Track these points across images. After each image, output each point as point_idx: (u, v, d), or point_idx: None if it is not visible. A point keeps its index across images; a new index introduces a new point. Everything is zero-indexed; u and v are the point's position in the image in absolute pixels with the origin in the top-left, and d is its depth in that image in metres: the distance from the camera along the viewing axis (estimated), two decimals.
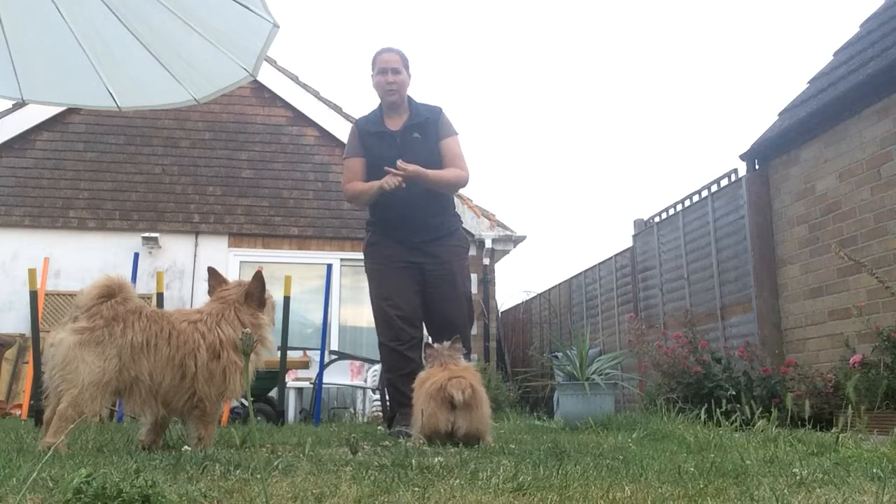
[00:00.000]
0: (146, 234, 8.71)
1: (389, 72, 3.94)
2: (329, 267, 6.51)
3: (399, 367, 3.84)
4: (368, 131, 4.02)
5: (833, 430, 3.13)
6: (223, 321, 2.72)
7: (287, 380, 6.23)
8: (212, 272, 2.95)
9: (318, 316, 8.64)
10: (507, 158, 38.40)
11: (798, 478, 1.95)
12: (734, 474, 2.02)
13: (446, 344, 3.46)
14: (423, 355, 3.62)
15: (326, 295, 6.07)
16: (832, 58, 6.86)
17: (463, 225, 4.28)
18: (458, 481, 1.82)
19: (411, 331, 3.86)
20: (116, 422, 4.78)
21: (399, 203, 3.85)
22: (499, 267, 9.95)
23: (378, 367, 7.40)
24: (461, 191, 9.68)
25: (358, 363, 8.06)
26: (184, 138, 9.28)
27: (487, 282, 9.46)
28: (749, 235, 6.56)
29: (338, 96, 13.40)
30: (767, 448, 2.90)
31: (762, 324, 6.34)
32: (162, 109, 8.23)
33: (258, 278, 2.86)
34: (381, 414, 6.97)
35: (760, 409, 4.05)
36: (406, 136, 3.94)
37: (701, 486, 1.81)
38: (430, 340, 3.72)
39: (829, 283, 5.79)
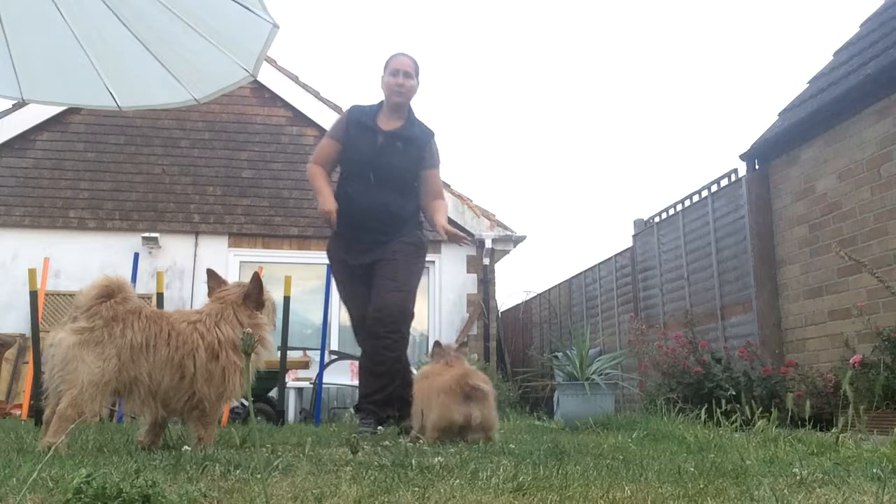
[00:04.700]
0: (146, 234, 8.71)
1: (401, 74, 4.01)
2: (329, 267, 6.50)
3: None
4: (358, 121, 4.08)
5: (833, 430, 3.12)
6: (222, 321, 2.72)
7: (287, 380, 6.23)
8: (211, 274, 2.95)
9: (318, 316, 8.65)
10: (508, 158, 38.42)
11: (798, 478, 1.95)
12: (734, 474, 2.02)
13: (454, 345, 3.66)
14: (430, 351, 3.76)
15: (326, 295, 6.06)
16: (832, 58, 6.86)
17: (425, 230, 4.22)
18: (458, 481, 1.82)
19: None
20: (116, 422, 4.78)
21: (356, 204, 3.94)
22: (499, 267, 9.96)
23: None
24: (461, 191, 9.75)
25: (358, 363, 8.05)
26: (184, 138, 9.28)
27: (487, 282, 9.46)
28: (749, 235, 6.55)
29: (338, 96, 13.37)
30: (767, 448, 2.90)
31: (762, 324, 6.34)
32: (162, 109, 8.23)
33: (256, 280, 2.86)
34: None
35: (760, 409, 4.05)
36: (389, 141, 3.99)
37: (701, 486, 1.81)
38: (439, 339, 3.85)
39: (829, 283, 5.79)
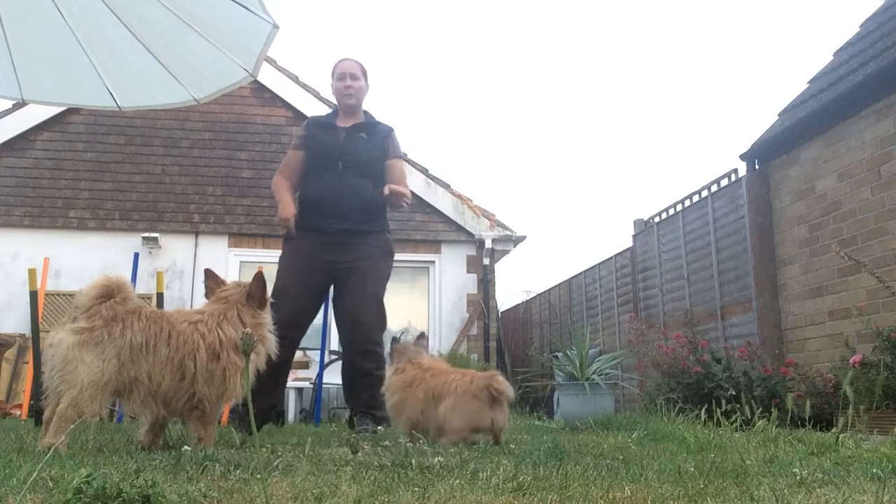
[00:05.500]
0: (146, 234, 8.71)
1: (348, 77, 4.19)
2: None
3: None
4: (318, 123, 4.26)
5: (833, 430, 3.12)
6: (224, 321, 2.72)
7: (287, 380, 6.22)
8: (208, 274, 2.95)
9: (317, 316, 8.63)
10: (508, 158, 38.42)
11: (798, 478, 1.95)
12: (734, 474, 2.02)
13: (410, 339, 3.56)
14: (388, 352, 3.61)
15: (326, 295, 6.06)
16: (832, 58, 6.86)
17: (389, 231, 4.22)
18: (458, 481, 1.82)
19: (290, 330, 3.74)
20: (116, 422, 4.78)
21: (326, 191, 3.98)
22: (499, 267, 9.96)
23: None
24: (461, 191, 9.74)
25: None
26: (184, 138, 9.28)
27: (487, 282, 9.45)
28: (749, 235, 6.56)
29: None
30: (767, 448, 2.90)
31: (762, 324, 6.34)
32: (162, 109, 8.23)
33: (259, 279, 2.86)
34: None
35: (760, 409, 4.05)
36: (352, 132, 4.13)
37: (701, 486, 1.81)
38: (398, 336, 3.79)
39: (829, 283, 5.79)
